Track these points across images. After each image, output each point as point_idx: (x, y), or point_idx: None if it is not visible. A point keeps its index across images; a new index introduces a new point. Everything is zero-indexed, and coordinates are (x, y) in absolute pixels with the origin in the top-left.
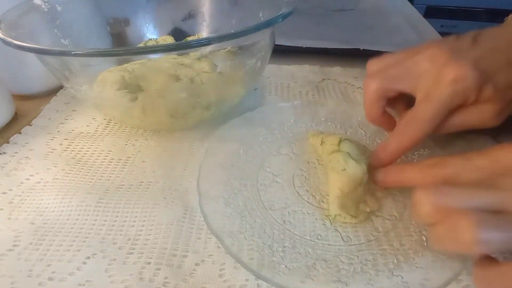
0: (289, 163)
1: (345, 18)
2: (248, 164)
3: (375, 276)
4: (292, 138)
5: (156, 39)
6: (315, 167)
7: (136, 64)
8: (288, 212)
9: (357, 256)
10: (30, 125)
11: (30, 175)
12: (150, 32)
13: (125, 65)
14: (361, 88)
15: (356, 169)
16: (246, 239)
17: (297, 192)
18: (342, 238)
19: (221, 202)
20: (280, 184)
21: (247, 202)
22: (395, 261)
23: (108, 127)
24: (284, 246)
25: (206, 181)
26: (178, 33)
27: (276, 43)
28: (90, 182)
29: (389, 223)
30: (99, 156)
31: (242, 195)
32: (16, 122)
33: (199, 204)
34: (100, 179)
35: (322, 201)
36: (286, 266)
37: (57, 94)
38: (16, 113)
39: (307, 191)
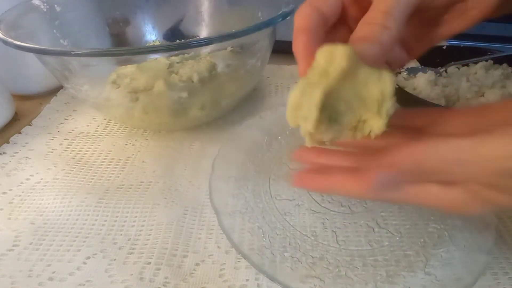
0: None
1: None
2: (267, 154)
3: (357, 283)
4: None
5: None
6: None
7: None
8: (292, 205)
9: (346, 260)
10: (30, 125)
11: (30, 175)
12: (149, 32)
13: (129, 66)
14: None
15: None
16: (243, 219)
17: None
18: (337, 240)
19: (231, 182)
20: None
21: (256, 187)
22: (384, 274)
23: (108, 127)
24: (277, 234)
25: (222, 160)
26: (177, 33)
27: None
28: (90, 182)
29: (392, 237)
30: (99, 156)
31: (253, 180)
32: (16, 122)
33: (209, 180)
34: (100, 179)
35: (328, 201)
36: (272, 252)
37: (57, 94)
38: (16, 113)
39: None
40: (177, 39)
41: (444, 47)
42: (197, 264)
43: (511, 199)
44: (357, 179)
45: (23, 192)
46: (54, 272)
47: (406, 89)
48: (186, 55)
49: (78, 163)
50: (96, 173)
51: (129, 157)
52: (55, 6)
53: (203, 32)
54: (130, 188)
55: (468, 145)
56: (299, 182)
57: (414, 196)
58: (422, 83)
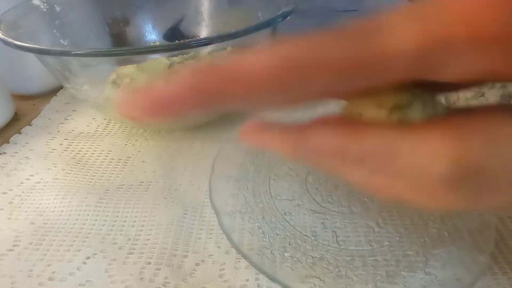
0: None
1: (348, 18)
2: (267, 154)
3: (357, 283)
4: None
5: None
6: None
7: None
8: (292, 205)
9: (346, 260)
10: (30, 125)
11: (30, 175)
12: (149, 32)
13: (129, 66)
14: None
15: None
16: (243, 219)
17: (306, 188)
18: (337, 240)
19: (231, 182)
20: (292, 177)
21: (256, 187)
22: (384, 274)
23: (108, 127)
24: (277, 234)
25: (222, 160)
26: (177, 33)
27: None
28: (90, 182)
29: (392, 237)
30: (99, 156)
31: (253, 180)
32: (16, 122)
33: (209, 180)
34: (100, 179)
35: (328, 201)
36: (272, 252)
37: (57, 94)
38: (16, 113)
39: (317, 189)
40: (177, 39)
41: None
42: (197, 264)
43: (431, 202)
44: (283, 139)
45: (23, 192)
46: (54, 272)
47: None
48: (186, 55)
49: (78, 163)
50: (96, 173)
51: (129, 157)
52: (55, 6)
53: (203, 32)
54: (130, 188)
55: (400, 139)
56: (242, 136)
57: (340, 172)
58: None
